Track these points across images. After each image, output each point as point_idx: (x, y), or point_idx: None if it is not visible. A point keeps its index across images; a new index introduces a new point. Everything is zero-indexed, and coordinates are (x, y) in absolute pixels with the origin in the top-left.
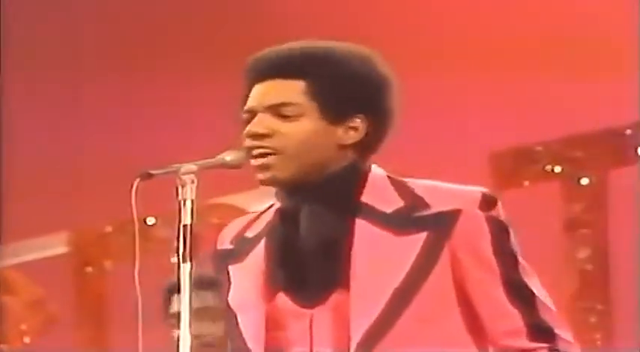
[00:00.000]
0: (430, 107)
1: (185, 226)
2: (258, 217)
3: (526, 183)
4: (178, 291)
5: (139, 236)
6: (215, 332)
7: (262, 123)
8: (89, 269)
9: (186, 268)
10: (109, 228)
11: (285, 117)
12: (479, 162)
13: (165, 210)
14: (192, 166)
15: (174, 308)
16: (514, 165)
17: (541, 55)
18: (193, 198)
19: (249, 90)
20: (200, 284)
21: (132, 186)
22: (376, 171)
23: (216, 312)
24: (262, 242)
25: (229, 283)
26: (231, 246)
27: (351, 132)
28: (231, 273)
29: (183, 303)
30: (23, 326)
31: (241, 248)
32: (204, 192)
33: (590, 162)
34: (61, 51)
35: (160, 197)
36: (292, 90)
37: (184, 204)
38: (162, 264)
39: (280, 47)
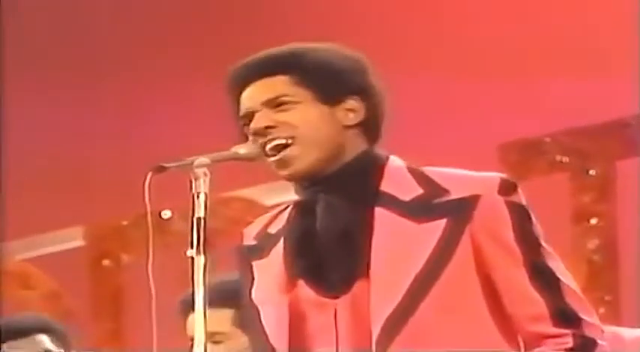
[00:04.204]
0: (439, 99)
1: (199, 219)
2: (280, 213)
3: (534, 174)
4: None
5: (155, 229)
6: None
7: (263, 117)
8: (106, 262)
9: (200, 261)
10: (124, 222)
11: (284, 108)
12: (488, 153)
13: (181, 204)
14: (205, 159)
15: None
16: (522, 157)
17: (548, 49)
18: (207, 191)
19: (237, 101)
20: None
21: (145, 180)
22: (394, 161)
23: None
24: (282, 238)
25: (252, 279)
26: (254, 242)
27: (350, 114)
28: (254, 269)
29: (197, 299)
30: None
31: (264, 244)
32: (219, 185)
33: (598, 153)
34: (74, 44)
35: (176, 190)
36: (281, 84)
37: (198, 196)
38: (179, 257)
39: (255, 54)
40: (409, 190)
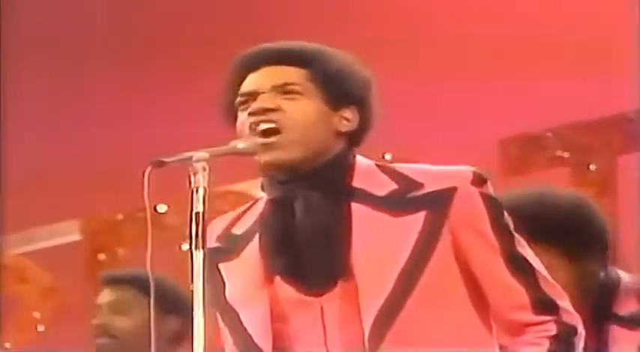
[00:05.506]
0: (440, 94)
1: (197, 214)
2: (243, 214)
3: (535, 169)
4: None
5: (151, 224)
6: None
7: (268, 99)
8: (102, 256)
9: (198, 255)
10: (120, 216)
11: (289, 96)
12: (489, 148)
13: (176, 198)
14: (204, 154)
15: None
16: (523, 152)
17: (549, 44)
18: (206, 185)
19: (240, 81)
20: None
21: (144, 174)
22: (362, 160)
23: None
24: (256, 236)
25: (223, 282)
26: (218, 244)
27: (345, 122)
28: (223, 271)
29: (196, 291)
30: (36, 315)
31: (231, 245)
32: (216, 179)
33: (599, 148)
34: (72, 39)
35: (171, 185)
36: (295, 74)
37: (197, 191)
38: (174, 251)
39: (273, 43)
40: (383, 186)
